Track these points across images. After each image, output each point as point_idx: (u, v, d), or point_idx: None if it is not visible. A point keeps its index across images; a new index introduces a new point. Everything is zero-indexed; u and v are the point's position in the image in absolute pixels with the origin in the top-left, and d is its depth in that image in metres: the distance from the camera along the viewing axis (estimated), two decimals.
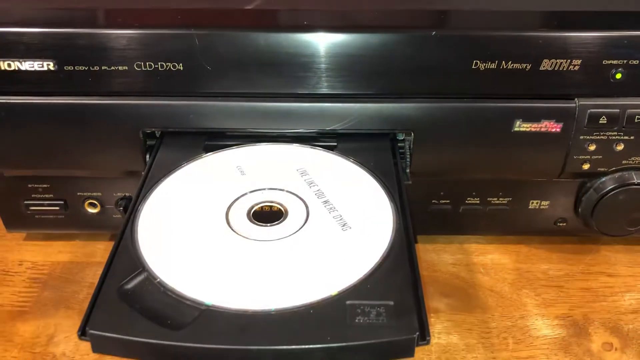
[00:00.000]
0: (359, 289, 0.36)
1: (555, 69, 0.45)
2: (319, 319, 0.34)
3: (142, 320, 0.33)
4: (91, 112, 0.47)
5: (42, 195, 0.53)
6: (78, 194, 0.53)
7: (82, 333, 0.33)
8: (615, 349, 0.47)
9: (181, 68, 0.45)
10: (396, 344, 0.33)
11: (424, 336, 0.33)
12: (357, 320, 0.33)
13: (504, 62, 0.45)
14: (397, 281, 0.36)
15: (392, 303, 0.34)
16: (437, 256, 0.57)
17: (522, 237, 0.58)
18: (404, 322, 0.33)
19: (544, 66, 0.45)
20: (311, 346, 0.32)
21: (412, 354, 0.33)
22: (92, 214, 0.54)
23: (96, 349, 0.34)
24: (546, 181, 0.52)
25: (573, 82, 0.46)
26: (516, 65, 0.45)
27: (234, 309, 0.34)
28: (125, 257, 0.38)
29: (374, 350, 0.33)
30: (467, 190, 0.53)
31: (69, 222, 0.54)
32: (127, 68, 0.45)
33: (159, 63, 0.45)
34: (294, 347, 0.32)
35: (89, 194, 0.53)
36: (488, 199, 0.53)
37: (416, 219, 0.43)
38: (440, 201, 0.53)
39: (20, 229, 0.56)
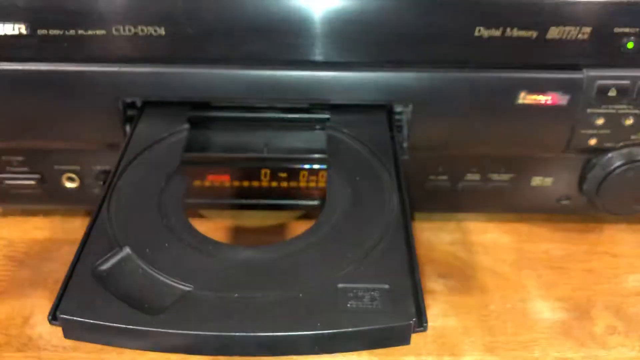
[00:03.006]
0: (352, 271, 0.33)
1: (563, 37, 0.43)
2: (307, 303, 0.31)
3: (118, 304, 0.31)
4: (67, 79, 0.44)
5: (16, 169, 0.50)
6: (55, 167, 0.50)
7: (53, 317, 0.31)
8: (619, 333, 0.45)
9: (163, 33, 0.42)
10: (391, 331, 0.30)
11: (421, 322, 0.31)
12: (349, 305, 0.31)
13: (508, 29, 0.42)
14: (393, 263, 0.34)
15: (387, 287, 0.32)
16: (434, 235, 0.54)
17: (522, 216, 0.56)
18: (400, 307, 0.31)
19: (551, 34, 0.42)
20: (299, 333, 0.30)
21: (407, 342, 0.31)
22: (71, 188, 0.51)
23: (68, 334, 0.31)
24: (550, 157, 0.49)
25: (581, 51, 0.43)
26: (522, 33, 0.42)
27: (217, 293, 0.32)
28: (101, 235, 0.35)
29: (368, 337, 0.31)
30: (467, 165, 0.50)
31: (47, 197, 0.52)
32: (105, 32, 0.42)
33: (139, 27, 0.42)
34: (280, 334, 0.30)
35: (67, 167, 0.50)
36: (488, 175, 0.51)
37: (412, 195, 0.41)
38: (438, 177, 0.51)
39: None
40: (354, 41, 0.43)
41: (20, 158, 0.49)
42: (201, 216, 0.55)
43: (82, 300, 0.31)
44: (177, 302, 0.31)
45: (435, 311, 0.47)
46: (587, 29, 0.42)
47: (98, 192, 0.51)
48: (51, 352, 0.43)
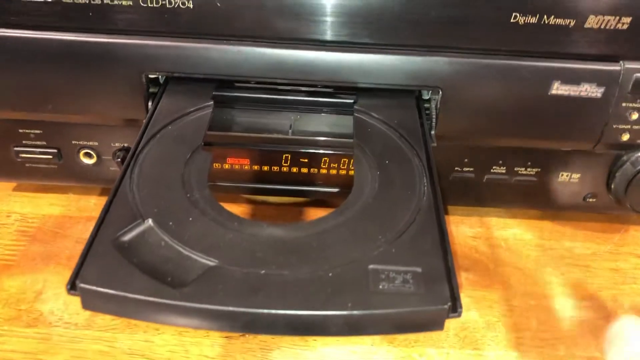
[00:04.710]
0: (383, 253, 0.32)
1: (602, 26, 0.41)
2: (337, 283, 0.30)
3: (139, 275, 0.30)
4: (90, 51, 0.43)
5: (33, 142, 0.49)
6: (73, 142, 0.49)
7: (72, 287, 0.30)
8: None
9: (191, 6, 0.41)
10: (425, 315, 0.29)
11: (456, 308, 0.29)
12: (381, 287, 0.30)
13: (546, 16, 0.41)
14: (425, 246, 0.32)
15: (419, 270, 0.31)
16: (456, 228, 0.53)
17: (545, 213, 0.55)
18: (434, 291, 0.30)
19: (589, 23, 0.41)
20: (329, 312, 0.29)
21: (441, 327, 0.29)
22: (88, 165, 0.50)
23: (86, 305, 0.30)
24: (579, 152, 0.48)
25: (620, 42, 0.42)
26: (559, 21, 0.41)
27: (244, 269, 0.30)
28: (123, 206, 0.34)
29: (400, 320, 0.29)
30: (494, 158, 0.49)
31: (62, 173, 0.50)
32: (131, 3, 0.41)
33: None
34: (310, 312, 0.29)
35: (85, 142, 0.49)
36: (515, 169, 0.49)
37: None
38: (464, 169, 0.49)
39: (9, 178, 0.52)
40: (386, 23, 0.42)
41: (37, 131, 0.48)
42: (218, 199, 0.53)
43: (102, 270, 0.30)
44: (202, 276, 0.30)
45: None
46: (627, 19, 0.41)
47: (115, 170, 0.50)
48: (62, 329, 0.41)
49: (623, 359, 0.34)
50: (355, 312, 0.29)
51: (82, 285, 0.29)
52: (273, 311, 0.28)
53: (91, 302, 0.30)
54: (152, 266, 0.31)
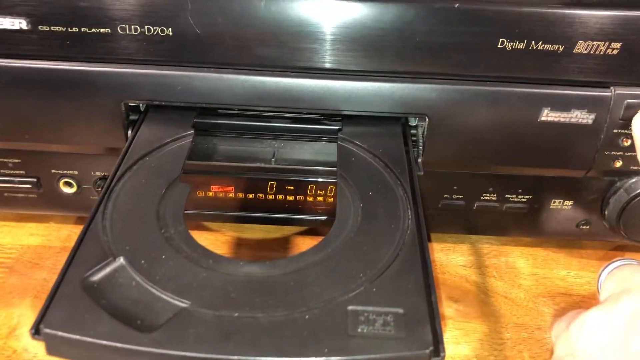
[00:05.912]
0: (363, 292, 0.30)
1: (591, 52, 0.40)
2: (314, 326, 0.29)
3: (107, 319, 0.28)
4: (68, 79, 0.42)
5: (12, 172, 0.48)
6: (52, 171, 0.48)
7: (36, 331, 0.28)
8: None
9: (170, 33, 0.40)
10: None
11: (438, 352, 0.28)
12: (360, 330, 0.28)
13: (533, 42, 0.40)
14: (408, 285, 0.31)
15: (401, 311, 0.29)
16: (446, 257, 0.52)
17: (538, 240, 0.54)
18: (415, 334, 0.28)
19: (578, 48, 0.40)
20: (305, 359, 0.27)
21: None
22: (68, 194, 0.49)
23: (51, 350, 0.28)
24: (571, 178, 0.47)
25: (610, 67, 0.41)
26: (547, 47, 0.40)
27: (217, 311, 0.29)
28: (94, 243, 0.33)
29: None
30: (484, 185, 0.48)
31: (42, 202, 0.49)
32: (109, 31, 0.40)
33: (146, 26, 0.40)
34: (284, 359, 0.27)
35: (65, 171, 0.48)
36: (506, 196, 0.48)
37: (425, 215, 0.38)
38: (453, 196, 0.48)
39: None
40: (370, 49, 0.41)
41: (16, 160, 0.47)
42: (202, 228, 0.52)
43: (69, 313, 0.29)
44: (172, 319, 0.29)
45: (446, 337, 0.44)
46: (617, 45, 0.40)
47: (96, 199, 0.48)
48: None
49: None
50: (331, 358, 0.27)
51: (46, 330, 0.28)
52: (244, 358, 0.27)
53: (56, 348, 0.28)
54: (121, 308, 0.29)
